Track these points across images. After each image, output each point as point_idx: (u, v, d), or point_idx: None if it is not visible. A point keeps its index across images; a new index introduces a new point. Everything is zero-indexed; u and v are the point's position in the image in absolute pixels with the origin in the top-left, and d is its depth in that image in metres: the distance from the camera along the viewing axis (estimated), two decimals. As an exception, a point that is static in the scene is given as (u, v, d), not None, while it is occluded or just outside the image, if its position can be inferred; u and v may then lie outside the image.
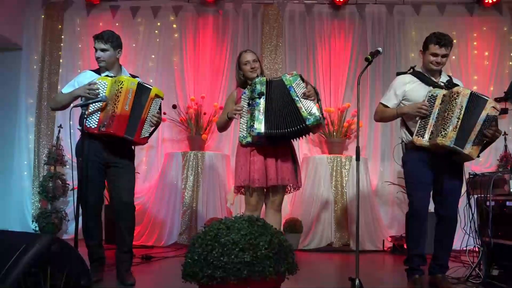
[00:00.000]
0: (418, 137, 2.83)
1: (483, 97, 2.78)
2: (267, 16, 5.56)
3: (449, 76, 3.05)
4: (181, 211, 4.84)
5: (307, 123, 2.73)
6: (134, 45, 5.59)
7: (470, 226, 3.19)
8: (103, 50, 2.94)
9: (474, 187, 3.27)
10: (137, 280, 2.94)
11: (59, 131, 5.26)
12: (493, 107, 2.77)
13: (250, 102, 2.84)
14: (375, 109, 3.16)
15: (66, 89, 3.04)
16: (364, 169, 4.88)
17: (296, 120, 2.76)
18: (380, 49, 2.92)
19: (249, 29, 5.62)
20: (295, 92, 2.80)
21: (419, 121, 2.85)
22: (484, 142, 2.82)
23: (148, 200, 5.10)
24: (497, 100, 5.48)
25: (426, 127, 2.82)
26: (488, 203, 3.05)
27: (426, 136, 2.80)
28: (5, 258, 1.84)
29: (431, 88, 2.91)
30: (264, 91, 2.81)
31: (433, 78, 2.99)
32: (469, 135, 2.73)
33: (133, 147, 3.12)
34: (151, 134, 3.00)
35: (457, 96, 2.73)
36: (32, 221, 5.16)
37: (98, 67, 3.04)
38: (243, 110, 2.89)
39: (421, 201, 2.89)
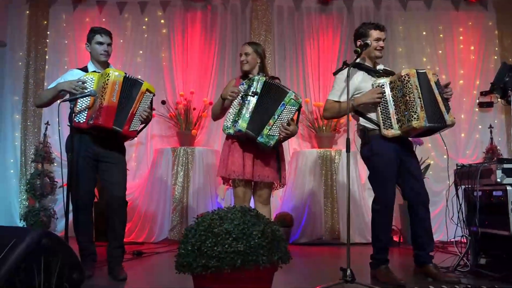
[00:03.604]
0: (387, 129, 2.84)
1: (423, 70, 2.86)
2: (255, 11, 5.56)
3: (382, 64, 3.11)
4: (171, 207, 4.82)
5: (258, 138, 2.78)
6: (121, 41, 5.54)
7: (458, 217, 3.24)
8: (109, 44, 3.02)
9: (461, 177, 3.32)
10: (129, 275, 2.92)
11: (46, 128, 5.20)
12: (433, 74, 2.87)
13: (243, 97, 2.84)
14: (324, 106, 3.06)
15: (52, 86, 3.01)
16: (353, 163, 4.92)
17: (258, 129, 2.79)
18: (368, 41, 2.95)
19: (238, 24, 5.61)
20: (282, 112, 2.82)
21: (380, 114, 2.85)
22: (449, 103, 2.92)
23: (138, 196, 5.08)
24: (483, 94, 5.60)
25: (390, 117, 2.84)
26: (475, 193, 3.10)
27: (395, 126, 2.83)
28: (-5, 252, 1.81)
29: (374, 79, 2.94)
30: (259, 91, 2.81)
31: (373, 68, 3.02)
32: (439, 108, 2.79)
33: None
34: (141, 129, 2.99)
35: (408, 78, 2.78)
36: (20, 220, 5.09)
37: (102, 60, 3.02)
38: (235, 101, 2.89)
39: (392, 196, 2.91)
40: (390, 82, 2.86)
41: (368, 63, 3.03)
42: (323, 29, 5.61)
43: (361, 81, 2.96)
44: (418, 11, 5.59)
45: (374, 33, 2.97)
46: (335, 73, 3.06)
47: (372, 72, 3.00)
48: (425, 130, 2.81)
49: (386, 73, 3.01)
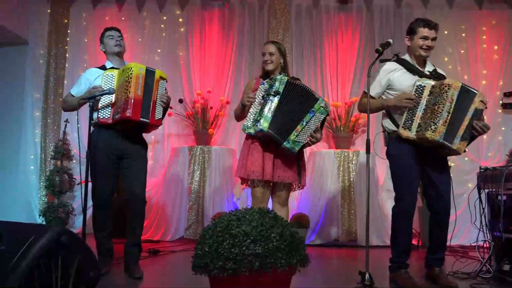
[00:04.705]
0: (405, 129, 2.75)
1: (473, 90, 2.70)
2: (273, 10, 5.52)
3: (433, 65, 2.98)
4: (187, 206, 4.82)
5: (284, 143, 2.74)
6: (140, 39, 5.57)
7: (481, 221, 3.15)
8: (120, 37, 3.11)
9: (485, 181, 3.23)
10: (145, 274, 2.93)
11: (66, 125, 5.26)
12: (481, 101, 2.70)
13: (265, 96, 2.80)
14: (359, 99, 3.02)
15: (74, 89, 3.08)
16: (371, 164, 4.84)
17: (284, 134, 2.74)
18: (390, 40, 2.90)
19: (256, 23, 5.58)
20: (311, 119, 2.77)
21: (405, 112, 2.76)
22: (472, 136, 2.74)
23: (155, 195, 5.09)
24: (507, 94, 5.43)
25: (413, 119, 2.73)
26: (499, 197, 3.01)
27: (413, 129, 2.73)
28: (15, 249, 1.82)
29: (417, 77, 2.82)
30: (281, 91, 2.76)
31: (418, 67, 2.89)
32: (457, 130, 2.66)
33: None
34: (163, 115, 3.01)
35: (448, 88, 2.64)
36: (39, 216, 5.16)
37: (116, 51, 3.09)
38: (256, 101, 2.85)
39: (411, 199, 2.84)
40: (433, 86, 2.73)
41: (413, 62, 2.91)
42: (342, 28, 5.53)
43: (396, 78, 2.86)
44: (440, 9, 5.46)
45: (423, 31, 2.85)
46: (382, 61, 2.95)
47: (413, 70, 2.86)
48: (437, 145, 2.69)
49: (434, 76, 2.86)
